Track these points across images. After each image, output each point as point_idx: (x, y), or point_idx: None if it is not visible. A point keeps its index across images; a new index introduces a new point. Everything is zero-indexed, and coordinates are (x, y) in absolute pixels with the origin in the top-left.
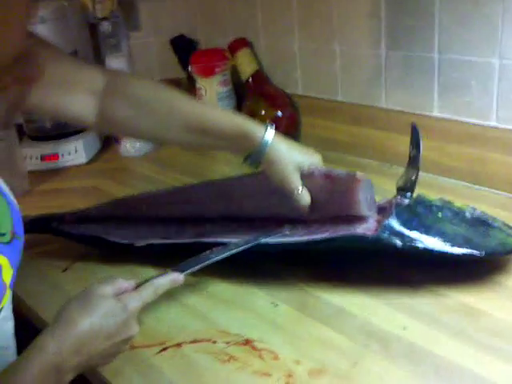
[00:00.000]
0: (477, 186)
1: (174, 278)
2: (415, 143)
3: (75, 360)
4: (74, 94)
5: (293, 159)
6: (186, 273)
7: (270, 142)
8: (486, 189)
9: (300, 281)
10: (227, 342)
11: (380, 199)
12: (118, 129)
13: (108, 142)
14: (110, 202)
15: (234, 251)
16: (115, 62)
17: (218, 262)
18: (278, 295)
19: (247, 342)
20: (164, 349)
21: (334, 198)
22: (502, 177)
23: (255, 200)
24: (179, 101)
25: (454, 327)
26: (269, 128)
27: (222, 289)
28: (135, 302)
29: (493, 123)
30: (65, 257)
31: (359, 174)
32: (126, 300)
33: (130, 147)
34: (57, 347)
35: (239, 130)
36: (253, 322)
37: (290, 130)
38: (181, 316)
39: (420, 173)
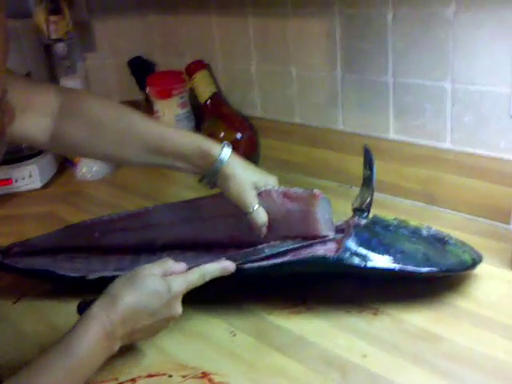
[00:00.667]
0: (432, 207)
1: (226, 265)
2: (368, 164)
3: (122, 330)
4: (28, 115)
5: (248, 177)
6: (238, 263)
7: (226, 159)
8: (441, 209)
9: (259, 308)
10: (183, 376)
11: (337, 220)
12: (73, 149)
13: (64, 165)
14: (60, 230)
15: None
16: (70, 84)
17: None
18: (237, 323)
19: (204, 375)
20: None
21: (292, 217)
22: (457, 198)
23: (212, 222)
24: (136, 120)
25: (414, 354)
26: (225, 146)
27: (180, 318)
28: (180, 284)
29: (447, 145)
30: (15, 289)
31: (317, 191)
32: (171, 281)
33: (86, 171)
34: (106, 316)
35: (197, 148)
36: (210, 353)
37: (248, 152)
38: (136, 348)
39: (376, 194)
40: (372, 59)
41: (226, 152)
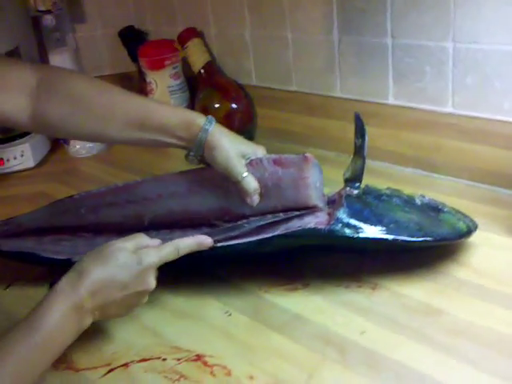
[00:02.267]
0: (434, 174)
1: (202, 240)
2: (360, 132)
3: (91, 303)
4: (2, 94)
5: (235, 146)
6: (215, 238)
7: (211, 128)
8: (443, 177)
9: (254, 286)
10: (178, 359)
11: (329, 192)
12: (55, 129)
13: (57, 143)
14: (46, 206)
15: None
16: (60, 58)
17: (166, 270)
18: (231, 303)
19: (198, 357)
20: (110, 370)
21: (283, 183)
22: (459, 164)
23: (201, 195)
24: (118, 95)
25: (413, 329)
26: (209, 118)
27: (172, 298)
28: (151, 257)
29: (449, 109)
30: (7, 273)
31: (309, 155)
32: (142, 254)
33: (80, 148)
34: (73, 289)
35: (180, 119)
36: (205, 335)
37: (244, 122)
38: (128, 332)
39: (375, 162)
40: (369, 19)
41: (210, 122)
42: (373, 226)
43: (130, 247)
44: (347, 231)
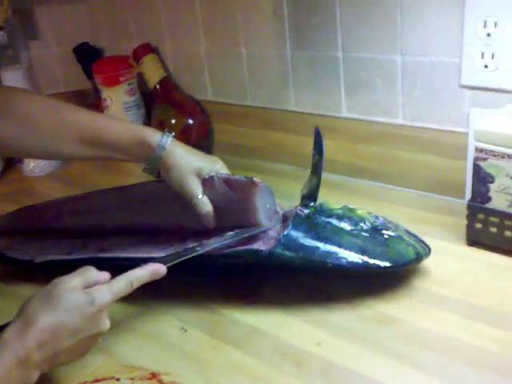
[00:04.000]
0: (388, 185)
1: (155, 269)
2: (318, 149)
3: (40, 356)
4: None
5: (191, 164)
6: (168, 265)
7: (166, 147)
8: (397, 188)
9: (211, 301)
10: (131, 378)
11: (286, 206)
12: (6, 148)
13: (11, 162)
14: (11, 214)
15: (216, 245)
16: (13, 75)
17: None
18: (188, 319)
19: (153, 375)
20: None
21: (233, 205)
22: (412, 175)
23: (157, 208)
24: (69, 112)
25: (369, 339)
26: (166, 134)
27: (126, 315)
28: (104, 295)
29: (400, 121)
30: None
31: (257, 180)
32: (94, 293)
33: (34, 166)
34: (20, 342)
35: (135, 137)
36: (160, 352)
37: (201, 137)
38: None
39: (331, 175)
40: (321, 34)
41: (165, 139)
42: (314, 251)
43: (78, 285)
44: (287, 254)
